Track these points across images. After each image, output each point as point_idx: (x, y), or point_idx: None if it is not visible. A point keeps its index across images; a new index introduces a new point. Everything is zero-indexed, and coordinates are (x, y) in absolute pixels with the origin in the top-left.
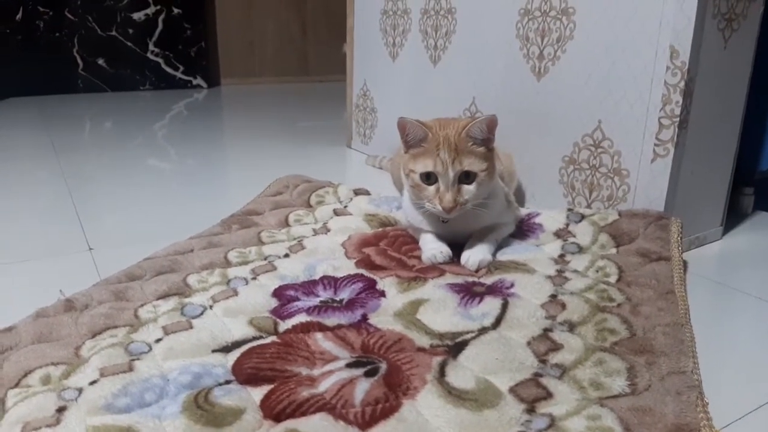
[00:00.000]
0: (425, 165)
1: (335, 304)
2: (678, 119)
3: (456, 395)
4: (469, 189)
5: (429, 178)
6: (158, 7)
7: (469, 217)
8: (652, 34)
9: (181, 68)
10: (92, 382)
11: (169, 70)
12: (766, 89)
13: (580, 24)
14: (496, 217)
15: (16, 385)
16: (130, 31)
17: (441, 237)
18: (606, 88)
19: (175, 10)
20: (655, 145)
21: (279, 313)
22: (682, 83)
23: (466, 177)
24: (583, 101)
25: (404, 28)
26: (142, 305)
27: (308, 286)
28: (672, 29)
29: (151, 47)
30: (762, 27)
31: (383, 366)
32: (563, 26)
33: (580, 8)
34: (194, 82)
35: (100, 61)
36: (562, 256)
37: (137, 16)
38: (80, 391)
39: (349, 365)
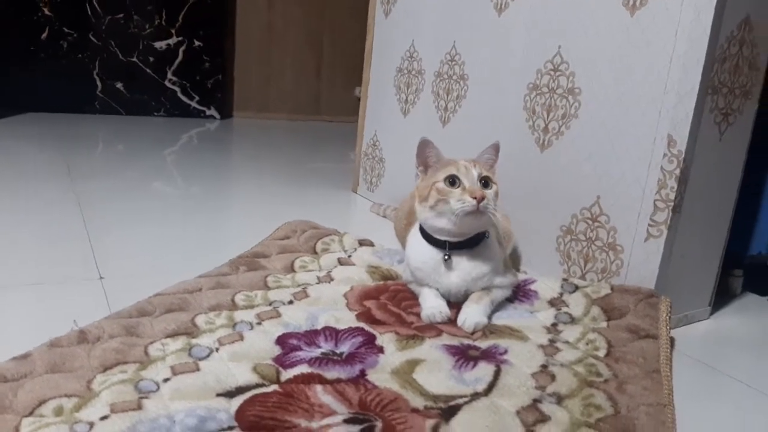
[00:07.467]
0: (448, 171)
1: (335, 357)
2: (672, 204)
3: None
4: (488, 192)
5: (453, 183)
6: (180, 38)
7: (470, 269)
8: (652, 122)
9: (197, 98)
10: (103, 418)
11: (184, 98)
12: (755, 182)
13: (585, 104)
14: (494, 278)
15: (30, 413)
16: (151, 59)
17: (439, 295)
18: (605, 166)
19: (197, 43)
20: (649, 225)
21: (281, 361)
22: (678, 170)
23: (485, 184)
24: (583, 176)
25: (417, 88)
26: (151, 342)
27: (310, 336)
28: (671, 120)
29: (169, 75)
30: (756, 121)
31: (379, 424)
32: (569, 104)
33: (585, 90)
34: (208, 112)
35: (119, 85)
36: (554, 325)
37: (159, 45)
38: (91, 425)
39: (346, 421)
